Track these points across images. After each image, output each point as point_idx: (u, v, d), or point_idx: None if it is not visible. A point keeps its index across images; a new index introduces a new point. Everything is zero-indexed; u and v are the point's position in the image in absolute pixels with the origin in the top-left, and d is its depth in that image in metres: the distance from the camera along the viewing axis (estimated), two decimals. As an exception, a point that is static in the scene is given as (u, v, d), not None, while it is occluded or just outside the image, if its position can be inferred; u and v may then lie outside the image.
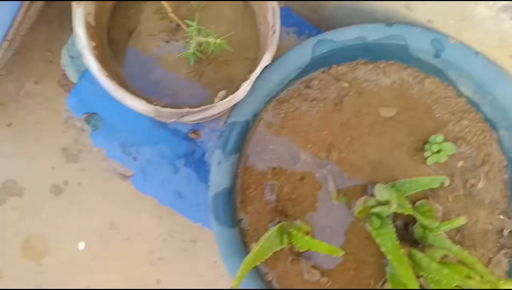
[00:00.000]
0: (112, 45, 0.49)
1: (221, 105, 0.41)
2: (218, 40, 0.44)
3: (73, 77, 0.60)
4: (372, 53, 0.50)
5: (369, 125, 0.51)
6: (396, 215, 0.50)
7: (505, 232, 0.49)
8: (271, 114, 0.50)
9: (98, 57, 0.42)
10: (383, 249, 0.43)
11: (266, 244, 0.44)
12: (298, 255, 0.49)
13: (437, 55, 0.48)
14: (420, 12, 0.47)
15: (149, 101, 0.41)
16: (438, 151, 0.48)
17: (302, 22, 0.60)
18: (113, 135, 0.59)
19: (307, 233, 0.48)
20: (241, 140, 0.48)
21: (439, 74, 0.50)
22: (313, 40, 0.47)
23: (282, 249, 0.48)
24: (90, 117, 0.59)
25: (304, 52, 0.47)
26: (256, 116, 0.49)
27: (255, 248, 0.43)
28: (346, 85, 0.51)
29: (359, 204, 0.48)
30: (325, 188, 0.50)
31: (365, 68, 0.51)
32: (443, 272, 0.40)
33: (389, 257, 0.42)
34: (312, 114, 0.51)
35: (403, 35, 0.47)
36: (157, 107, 0.40)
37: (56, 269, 0.69)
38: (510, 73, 0.46)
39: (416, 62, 0.50)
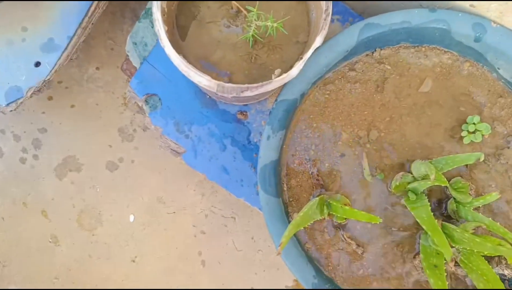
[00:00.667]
0: (179, 30, 0.55)
1: (277, 82, 0.45)
2: (275, 24, 0.49)
3: (135, 62, 0.66)
4: (415, 37, 0.53)
5: (408, 106, 0.54)
6: (430, 193, 0.52)
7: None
8: (316, 94, 0.54)
9: (170, 40, 0.48)
10: (418, 220, 0.46)
11: (309, 211, 0.47)
12: (336, 226, 0.53)
13: (478, 39, 0.50)
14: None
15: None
16: (474, 131, 0.51)
17: (346, 10, 0.64)
18: (169, 115, 0.65)
19: (346, 205, 0.51)
20: (289, 117, 0.52)
21: (479, 57, 0.52)
22: (360, 24, 0.51)
23: (321, 221, 0.52)
24: (150, 98, 0.65)
25: (352, 35, 0.51)
26: (303, 95, 0.53)
27: (300, 214, 0.47)
28: (388, 67, 0.55)
29: (397, 179, 0.50)
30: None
31: (407, 52, 0.54)
32: (475, 241, 0.42)
33: (424, 226, 0.45)
34: (355, 95, 0.55)
35: (446, 19, 0.50)
36: (221, 83, 0.45)
37: (108, 239, 0.76)
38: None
39: (457, 46, 0.52)
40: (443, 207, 0.52)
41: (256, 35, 0.50)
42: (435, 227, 0.43)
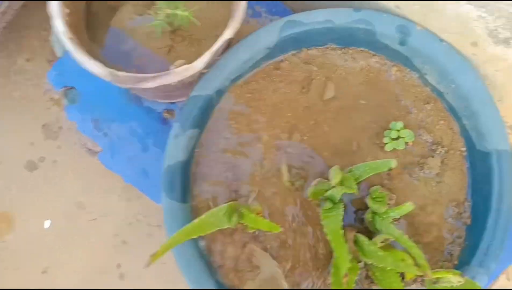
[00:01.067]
0: (90, 17, 0.51)
1: (176, 73, 0.42)
2: (186, 13, 0.45)
3: (59, 51, 0.61)
4: (341, 38, 0.50)
5: (334, 110, 0.51)
6: (354, 202, 0.49)
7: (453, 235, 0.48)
8: (238, 92, 0.51)
9: (71, 24, 0.44)
10: (325, 230, 0.42)
11: (209, 219, 0.43)
12: (250, 237, 0.48)
13: (403, 42, 0.48)
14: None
15: (117, 69, 0.42)
16: (397, 138, 0.48)
17: (285, 10, 0.62)
18: (87, 110, 0.60)
19: (258, 214, 0.47)
20: (203, 115, 0.49)
21: (406, 62, 0.50)
22: (281, 21, 0.48)
23: (232, 231, 0.47)
24: (68, 91, 0.61)
25: (272, 31, 0.48)
26: (220, 93, 0.49)
27: (195, 221, 0.42)
28: (314, 68, 0.52)
29: (313, 185, 0.47)
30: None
31: (334, 53, 0.52)
32: (378, 255, 0.39)
33: (329, 237, 0.41)
34: (279, 96, 0.51)
35: (370, 20, 0.48)
36: (113, 71, 0.41)
37: (19, 246, 0.69)
38: (472, 62, 0.47)
39: (384, 49, 0.50)
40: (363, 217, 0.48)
41: (164, 24, 0.47)
42: (339, 240, 0.40)
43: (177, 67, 0.42)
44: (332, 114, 0.51)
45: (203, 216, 0.42)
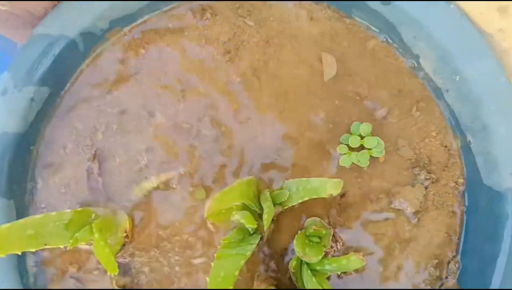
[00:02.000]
0: None
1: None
2: None
3: None
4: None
5: (273, 92, 0.33)
6: (276, 238, 0.31)
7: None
8: (124, 42, 0.33)
9: None
10: (211, 278, 0.25)
11: (39, 229, 0.26)
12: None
13: None
14: None
15: None
16: (359, 148, 0.30)
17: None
18: None
19: (125, 232, 0.30)
20: (60, 69, 0.31)
21: (390, 32, 0.32)
22: None
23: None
24: None
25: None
26: (89, 37, 0.31)
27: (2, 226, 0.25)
28: (251, 24, 0.34)
29: (214, 199, 0.29)
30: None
31: (284, 5, 0.34)
32: None
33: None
34: (188, 60, 0.34)
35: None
36: None
37: None
38: (496, 42, 0.28)
39: (359, 9, 0.32)
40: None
41: None
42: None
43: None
44: (270, 99, 0.33)
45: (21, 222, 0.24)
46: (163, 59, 0.34)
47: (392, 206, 0.32)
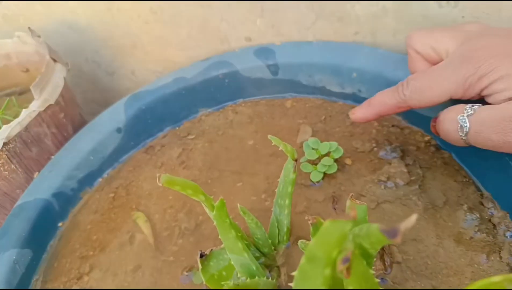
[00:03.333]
0: None
1: None
2: None
3: None
4: (211, 97, 0.42)
5: (219, 178, 0.36)
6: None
7: None
8: (96, 195, 0.37)
9: None
10: None
11: None
12: None
13: (274, 71, 0.40)
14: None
15: None
16: (319, 159, 0.31)
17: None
18: None
19: None
20: (37, 231, 0.33)
21: (296, 89, 0.40)
22: (124, 98, 0.41)
23: None
24: None
25: (116, 111, 0.40)
26: (64, 198, 0.35)
27: None
28: (191, 137, 0.40)
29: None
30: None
31: (211, 118, 0.42)
32: None
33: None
34: (152, 182, 0.37)
35: (227, 60, 0.41)
36: None
37: None
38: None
39: (266, 89, 0.41)
40: None
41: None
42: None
43: None
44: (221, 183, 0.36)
45: None
46: (131, 192, 0.37)
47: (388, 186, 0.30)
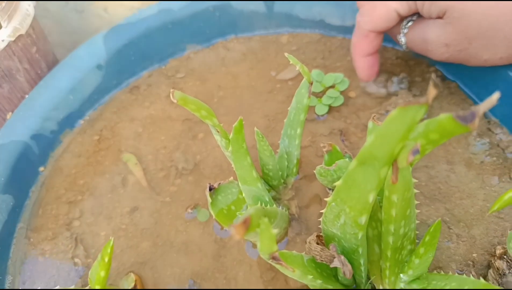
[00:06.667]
0: None
1: None
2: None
3: None
4: (200, 32, 0.39)
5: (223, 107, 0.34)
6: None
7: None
8: (78, 137, 0.34)
9: None
10: None
11: None
12: None
13: (269, 5, 0.37)
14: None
15: None
16: (323, 93, 0.30)
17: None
18: None
19: None
20: (15, 174, 0.30)
21: (292, 23, 0.38)
22: (103, 32, 0.37)
23: None
24: None
25: (95, 46, 0.36)
26: (44, 140, 0.32)
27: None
28: (181, 76, 0.37)
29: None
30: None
31: (200, 55, 0.39)
32: None
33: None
34: (141, 123, 0.35)
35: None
36: None
37: None
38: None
39: (260, 24, 0.38)
40: None
41: None
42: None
43: None
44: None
45: None
46: (116, 132, 0.34)
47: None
